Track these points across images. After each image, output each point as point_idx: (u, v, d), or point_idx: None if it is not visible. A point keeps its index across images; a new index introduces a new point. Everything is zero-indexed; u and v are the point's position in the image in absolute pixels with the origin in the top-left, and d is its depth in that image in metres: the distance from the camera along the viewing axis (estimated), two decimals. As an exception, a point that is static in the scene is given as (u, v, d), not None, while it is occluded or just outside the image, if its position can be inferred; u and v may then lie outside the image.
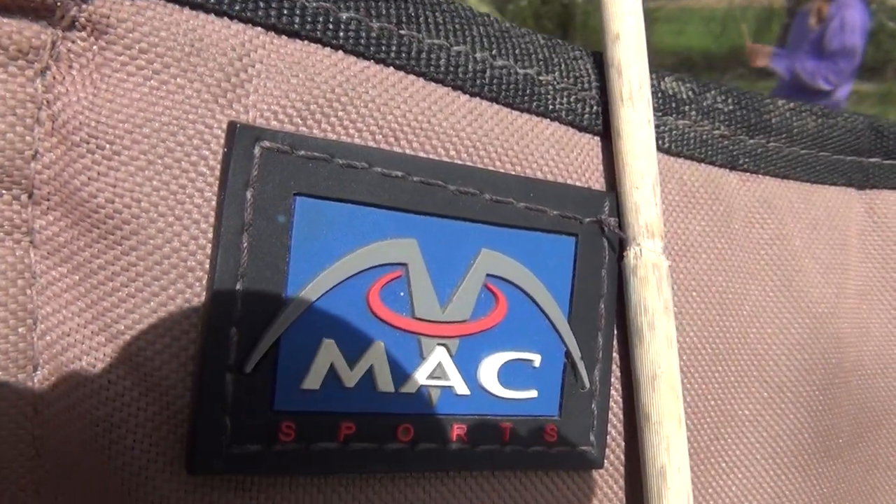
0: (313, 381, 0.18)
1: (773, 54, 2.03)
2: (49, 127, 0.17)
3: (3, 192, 0.17)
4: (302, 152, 0.18)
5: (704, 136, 0.26)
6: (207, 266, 0.18)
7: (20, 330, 0.18)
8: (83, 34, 0.17)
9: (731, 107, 0.26)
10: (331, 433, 0.19)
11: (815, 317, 0.28)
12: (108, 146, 0.17)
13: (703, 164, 0.26)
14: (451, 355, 0.20)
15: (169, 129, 0.18)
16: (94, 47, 0.17)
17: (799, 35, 2.07)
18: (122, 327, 0.18)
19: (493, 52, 0.22)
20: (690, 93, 0.25)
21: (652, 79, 0.24)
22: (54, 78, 0.17)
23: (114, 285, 0.18)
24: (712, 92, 0.26)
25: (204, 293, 0.18)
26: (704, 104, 0.26)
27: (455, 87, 0.21)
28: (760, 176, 0.27)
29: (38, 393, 0.18)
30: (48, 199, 0.18)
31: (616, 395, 0.23)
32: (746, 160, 0.27)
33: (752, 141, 0.27)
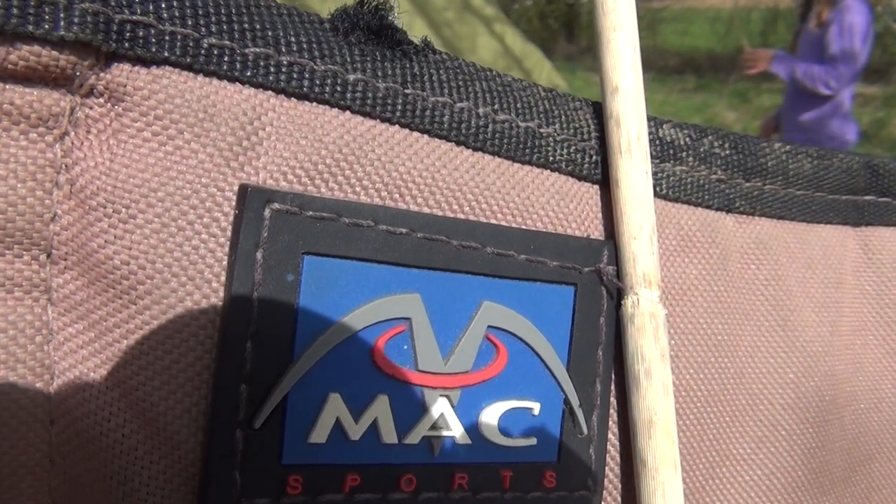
0: (320, 434, 0.19)
1: (773, 57, 2.02)
2: (67, 191, 0.18)
3: (24, 252, 0.18)
4: (310, 213, 0.19)
5: (701, 181, 0.26)
6: (218, 323, 0.19)
7: (38, 385, 0.18)
8: (100, 101, 0.18)
9: (727, 151, 0.27)
10: (337, 485, 0.19)
11: (809, 355, 0.28)
12: (123, 210, 0.18)
13: (700, 208, 0.26)
14: (452, 406, 0.21)
15: (182, 192, 0.18)
16: (111, 114, 0.18)
17: (804, 40, 2.07)
18: (136, 383, 0.18)
19: (496, 106, 0.22)
20: (688, 139, 0.26)
21: (650, 126, 0.25)
22: (73, 143, 0.18)
23: (128, 343, 0.18)
24: (709, 137, 0.26)
25: (215, 350, 0.19)
26: (701, 150, 0.26)
27: (458, 143, 0.21)
28: (756, 217, 0.28)
29: (53, 446, 0.19)
30: (65, 259, 0.18)
31: (614, 439, 0.24)
32: (743, 203, 0.27)
33: (748, 184, 0.27)
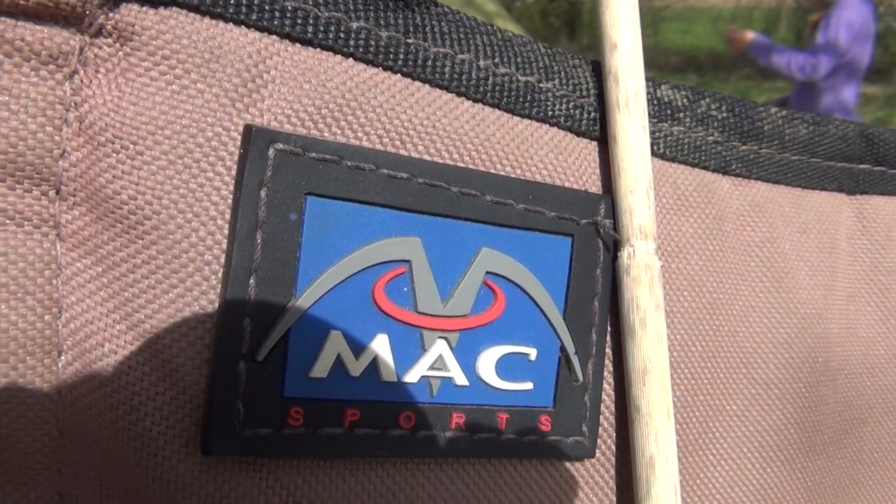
0: (321, 369, 0.19)
1: (752, 42, 2.01)
2: (76, 127, 0.18)
3: (34, 187, 0.18)
4: (313, 154, 0.19)
5: (698, 142, 0.27)
6: (223, 260, 0.19)
7: (46, 318, 0.19)
8: (109, 41, 0.18)
9: (724, 114, 0.27)
10: (337, 419, 0.20)
11: (803, 317, 0.29)
12: (131, 146, 0.18)
13: (696, 169, 0.27)
14: (451, 348, 0.21)
15: (189, 131, 0.19)
16: (120, 53, 0.18)
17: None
18: (143, 316, 0.19)
19: (496, 60, 0.23)
20: (685, 100, 0.26)
21: (648, 86, 0.26)
22: (82, 82, 0.18)
23: (135, 277, 0.19)
24: (706, 100, 0.27)
25: (220, 286, 0.19)
26: (699, 111, 0.27)
27: (459, 94, 0.22)
28: (752, 181, 0.28)
29: (61, 377, 0.19)
30: (74, 196, 0.19)
31: (608, 388, 0.24)
32: (739, 165, 0.28)
33: (744, 147, 0.28)
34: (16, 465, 0.20)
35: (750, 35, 2.06)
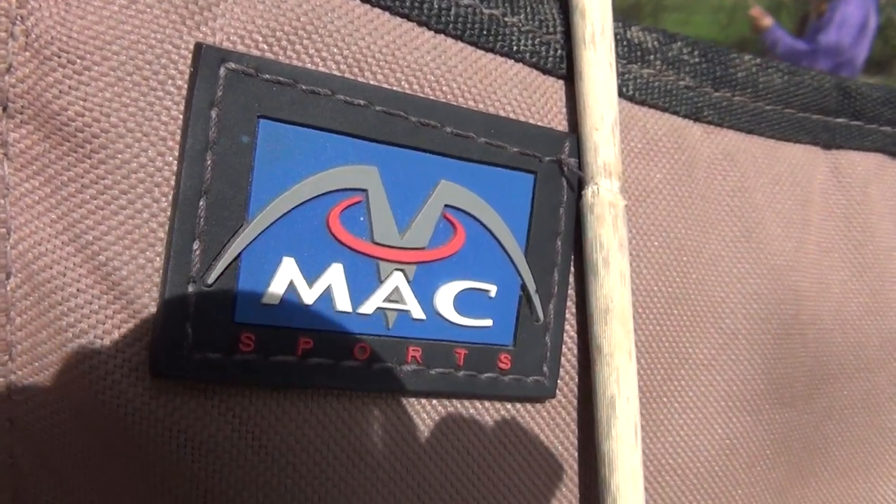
0: (273, 296, 0.19)
1: (770, 27, 2.03)
2: (22, 42, 0.18)
3: (-21, 104, 0.18)
4: (266, 76, 0.19)
5: (669, 86, 0.26)
6: (173, 182, 0.19)
7: (-6, 238, 0.19)
8: (57, -46, 0.18)
9: (696, 59, 0.27)
10: (289, 347, 0.19)
11: (773, 268, 0.29)
12: (78, 61, 0.18)
13: (666, 114, 0.26)
14: (408, 280, 0.21)
15: (137, 47, 0.18)
16: (68, -34, 0.18)
17: (810, 28, 2.09)
18: (91, 238, 0.19)
19: (460, -9, 0.22)
20: (656, 42, 0.26)
21: (618, 27, 0.25)
22: (28, -5, 0.18)
23: (83, 197, 0.19)
24: (678, 43, 0.27)
25: (169, 208, 0.19)
26: (670, 54, 0.26)
27: (420, 23, 0.22)
28: (724, 129, 0.28)
29: (10, 300, 0.19)
30: (22, 113, 0.18)
31: (570, 329, 0.24)
32: (711, 112, 0.27)
33: (717, 94, 0.27)
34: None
35: (769, 22, 2.08)
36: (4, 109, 0.18)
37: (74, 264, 0.19)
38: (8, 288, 0.19)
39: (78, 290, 0.19)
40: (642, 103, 0.26)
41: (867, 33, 2.02)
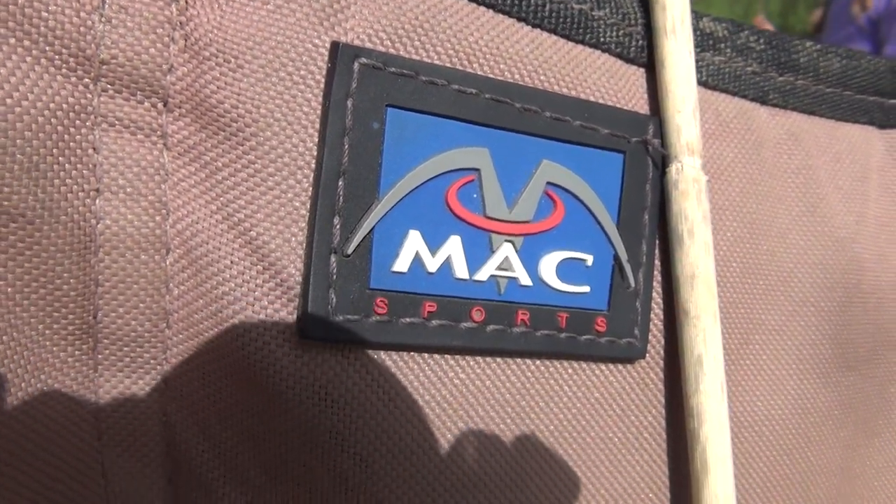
0: (402, 265, 0.22)
1: None
2: (182, 45, 0.20)
3: (145, 99, 0.21)
4: (392, 69, 0.21)
5: (738, 72, 0.28)
6: (313, 165, 0.21)
7: (157, 219, 0.21)
8: (211, -34, 0.20)
9: (762, 46, 0.29)
10: (416, 310, 0.22)
11: (836, 240, 0.30)
12: (233, 59, 0.20)
13: (736, 98, 0.28)
14: (516, 251, 0.23)
15: (283, 46, 0.21)
16: (221, -23, 0.20)
17: (839, 24, 2.00)
18: (243, 216, 0.21)
19: (552, -11, 0.24)
20: (726, 32, 0.28)
21: (692, 18, 0.27)
22: (186, 3, 0.20)
23: (235, 180, 0.21)
24: (745, 32, 0.29)
25: (311, 188, 0.21)
26: (738, 42, 0.28)
27: (519, 19, 0.24)
28: (789, 111, 0.30)
29: (169, 272, 0.21)
30: (180, 107, 0.21)
31: (657, 296, 0.26)
32: (776, 95, 0.29)
33: (781, 78, 0.29)
34: (127, 353, 0.22)
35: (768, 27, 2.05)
36: (165, 104, 0.21)
37: (227, 240, 0.21)
38: (167, 262, 0.21)
39: (231, 262, 0.21)
40: (714, 88, 0.28)
41: None
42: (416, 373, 0.23)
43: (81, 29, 0.19)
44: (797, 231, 0.30)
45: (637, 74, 0.26)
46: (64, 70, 0.19)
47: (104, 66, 0.20)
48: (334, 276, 0.21)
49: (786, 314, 0.29)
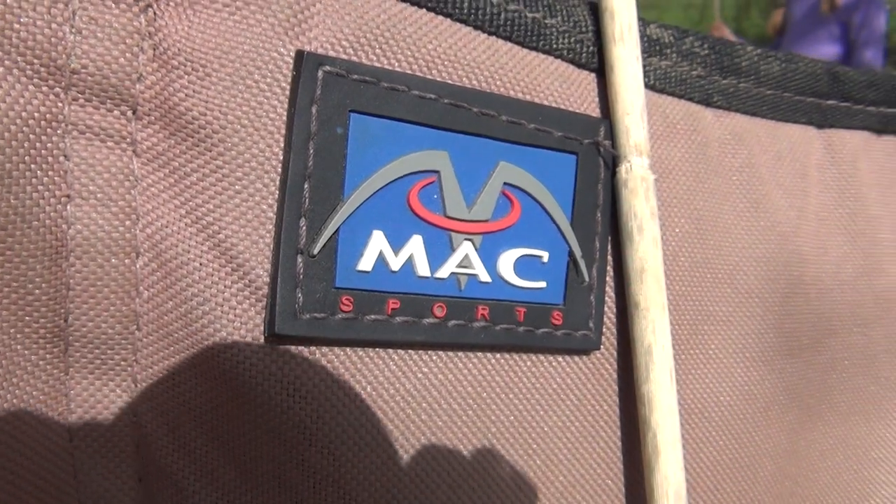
0: (366, 264, 0.22)
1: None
2: (151, 54, 0.21)
3: (114, 108, 0.21)
4: (355, 76, 0.22)
5: (683, 76, 0.30)
6: (280, 169, 0.22)
7: (126, 223, 0.22)
8: (177, -22, 0.21)
9: (706, 51, 0.30)
10: (380, 307, 0.23)
11: (779, 234, 0.32)
12: (201, 68, 0.21)
13: (682, 100, 0.30)
14: (475, 249, 0.24)
15: (249, 55, 0.21)
16: (187, -12, 0.21)
17: (806, 22, 1.99)
18: (211, 219, 0.22)
19: (506, -2, 0.26)
20: (671, 38, 0.30)
21: (638, 25, 0.29)
22: (155, 14, 0.21)
23: (204, 185, 0.22)
24: (690, 38, 0.30)
25: (277, 191, 0.22)
26: (683, 48, 0.30)
27: (476, 27, 0.25)
28: (732, 112, 0.31)
29: (139, 276, 0.22)
30: (149, 115, 0.21)
31: (610, 290, 0.27)
32: (720, 98, 0.31)
33: (724, 81, 0.31)
34: (97, 355, 0.22)
35: (726, 32, 2.08)
36: (134, 112, 0.21)
37: (197, 243, 0.22)
38: (137, 266, 0.22)
39: (200, 264, 0.22)
40: (661, 91, 0.29)
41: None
42: (381, 367, 0.23)
43: (52, 40, 0.20)
44: (742, 226, 0.31)
45: (589, 79, 0.27)
46: (35, 80, 0.20)
47: (75, 76, 0.20)
48: (301, 276, 0.22)
49: (732, 305, 0.31)
